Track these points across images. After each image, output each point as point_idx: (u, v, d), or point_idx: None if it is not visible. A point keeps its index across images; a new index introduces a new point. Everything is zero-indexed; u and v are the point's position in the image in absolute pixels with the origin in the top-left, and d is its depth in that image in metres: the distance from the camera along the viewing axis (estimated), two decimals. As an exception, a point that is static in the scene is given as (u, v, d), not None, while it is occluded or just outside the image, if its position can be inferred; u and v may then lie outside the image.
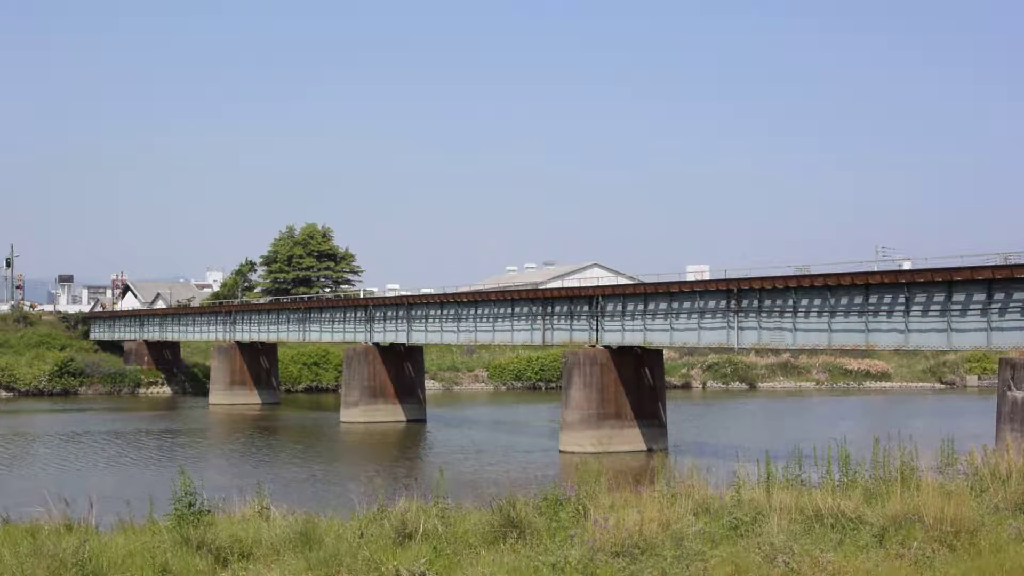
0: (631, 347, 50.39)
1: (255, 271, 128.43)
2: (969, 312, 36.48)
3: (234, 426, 65.71)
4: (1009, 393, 32.86)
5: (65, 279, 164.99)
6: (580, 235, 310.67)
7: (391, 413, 66.12)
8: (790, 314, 42.64)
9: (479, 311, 59.94)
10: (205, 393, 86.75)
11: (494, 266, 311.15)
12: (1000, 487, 13.30)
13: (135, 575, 11.64)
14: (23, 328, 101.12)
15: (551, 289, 57.61)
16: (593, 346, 50.92)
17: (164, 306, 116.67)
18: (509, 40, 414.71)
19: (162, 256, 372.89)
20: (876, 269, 41.19)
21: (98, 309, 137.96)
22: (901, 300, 38.49)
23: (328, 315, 74.50)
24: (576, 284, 62.04)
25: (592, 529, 11.77)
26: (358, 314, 70.75)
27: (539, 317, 55.00)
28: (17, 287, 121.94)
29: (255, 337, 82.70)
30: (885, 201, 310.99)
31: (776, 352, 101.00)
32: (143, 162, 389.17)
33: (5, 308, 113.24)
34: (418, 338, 65.13)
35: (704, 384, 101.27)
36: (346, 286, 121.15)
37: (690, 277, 59.12)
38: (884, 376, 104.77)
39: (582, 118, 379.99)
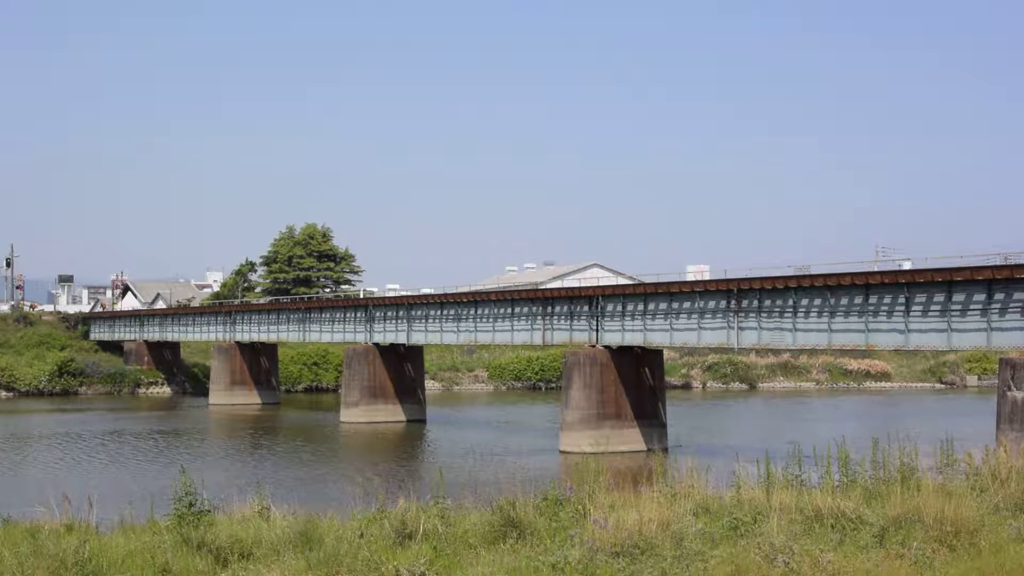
0: (631, 347, 50.37)
1: (255, 271, 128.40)
2: (969, 312, 36.47)
3: (234, 426, 65.71)
4: (1009, 393, 32.85)
5: (65, 279, 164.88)
6: (580, 235, 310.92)
7: (391, 413, 66.11)
8: (790, 314, 42.63)
9: (479, 311, 59.93)
10: (205, 393, 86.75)
11: (494, 266, 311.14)
12: (1000, 487, 13.30)
13: (135, 575, 11.64)
14: (23, 328, 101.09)
15: (551, 289, 57.59)
16: (593, 346, 50.91)
17: (164, 306, 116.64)
18: (509, 40, 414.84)
19: (162, 256, 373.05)
20: (876, 269, 41.23)
21: (98, 309, 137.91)
22: (901, 300, 38.47)
23: (328, 315, 74.49)
24: (576, 284, 62.03)
25: (592, 529, 11.77)
26: (358, 314, 70.74)
27: (539, 317, 54.99)
28: (17, 287, 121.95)
29: (255, 337, 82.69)
30: (885, 201, 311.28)
31: (776, 352, 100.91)
32: (143, 162, 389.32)
33: (5, 308, 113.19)
34: (418, 338, 65.12)
35: (704, 384, 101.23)
36: (346, 286, 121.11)
37: (690, 277, 59.12)
38: (884, 376, 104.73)
39: (582, 118, 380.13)
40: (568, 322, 53.16)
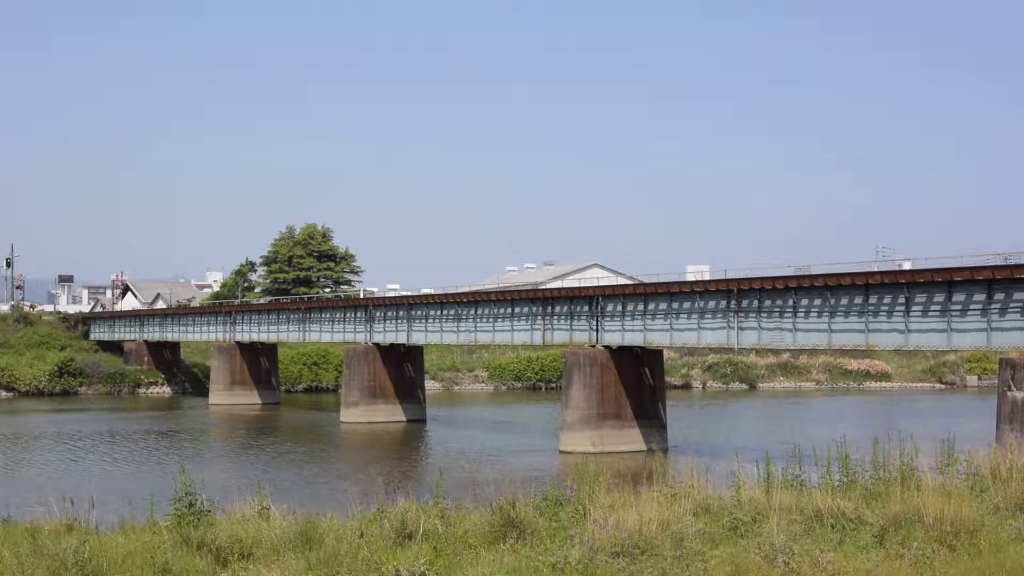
0: (631, 347, 50.36)
1: (255, 271, 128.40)
2: (969, 312, 36.46)
3: (234, 426, 65.70)
4: (1009, 393, 32.85)
5: (65, 279, 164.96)
6: (580, 235, 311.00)
7: (391, 413, 66.10)
8: (790, 314, 42.62)
9: (479, 311, 59.92)
10: (205, 393, 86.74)
11: (494, 266, 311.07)
12: (1000, 487, 13.28)
13: (135, 575, 11.64)
14: (23, 328, 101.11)
15: (551, 289, 57.58)
16: (593, 346, 50.90)
17: (164, 306, 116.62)
18: (509, 40, 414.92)
19: (162, 256, 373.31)
20: (876, 269, 41.21)
21: (98, 309, 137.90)
22: (901, 300, 38.47)
23: (328, 315, 74.48)
24: (576, 284, 62.02)
25: (592, 529, 11.75)
26: (358, 314, 70.74)
27: (539, 317, 54.98)
28: (17, 287, 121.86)
29: (255, 337, 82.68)
30: (885, 201, 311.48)
31: (776, 352, 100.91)
32: (143, 162, 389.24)
33: (5, 308, 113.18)
34: (418, 338, 65.11)
35: (704, 384, 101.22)
36: (346, 286, 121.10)
37: (690, 277, 59.06)
38: (884, 376, 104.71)
39: (582, 118, 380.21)
40: (568, 322, 53.16)
